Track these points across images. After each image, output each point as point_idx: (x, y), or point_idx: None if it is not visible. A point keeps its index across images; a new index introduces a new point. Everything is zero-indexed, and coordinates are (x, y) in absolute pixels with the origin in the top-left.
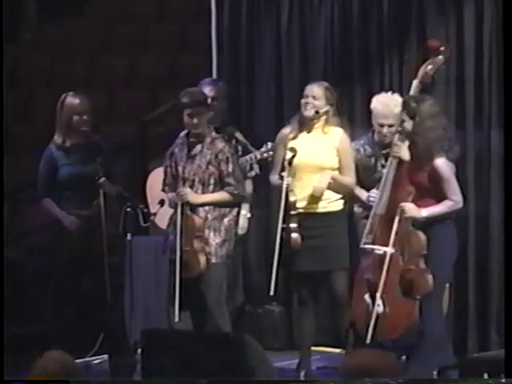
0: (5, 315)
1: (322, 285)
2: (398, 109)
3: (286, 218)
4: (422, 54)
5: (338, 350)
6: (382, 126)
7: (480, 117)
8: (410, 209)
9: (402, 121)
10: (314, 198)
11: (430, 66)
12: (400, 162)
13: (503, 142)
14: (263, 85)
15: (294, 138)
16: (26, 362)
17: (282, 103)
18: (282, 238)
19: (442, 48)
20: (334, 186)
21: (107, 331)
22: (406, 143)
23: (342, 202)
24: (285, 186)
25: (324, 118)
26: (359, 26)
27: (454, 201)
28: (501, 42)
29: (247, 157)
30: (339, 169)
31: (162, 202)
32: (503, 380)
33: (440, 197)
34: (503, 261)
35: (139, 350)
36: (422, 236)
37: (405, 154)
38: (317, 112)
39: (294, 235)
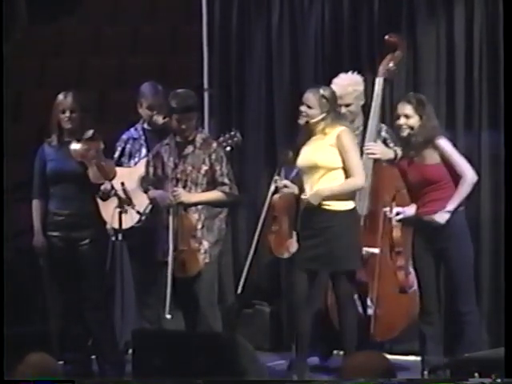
0: (4, 315)
1: (323, 285)
2: (352, 88)
3: (269, 221)
4: (381, 50)
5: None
6: (340, 105)
7: (470, 117)
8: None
9: (407, 116)
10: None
11: (391, 63)
12: (376, 161)
13: (502, 142)
14: (254, 85)
15: (303, 144)
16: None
17: (273, 103)
18: (258, 240)
19: (400, 43)
20: (338, 195)
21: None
22: (379, 142)
23: (351, 201)
24: (272, 188)
25: (322, 123)
26: (350, 27)
27: (467, 175)
28: (491, 42)
29: None
30: (344, 168)
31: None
32: (498, 380)
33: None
34: (493, 261)
35: (130, 351)
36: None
37: (382, 153)
38: (307, 122)
39: (272, 237)
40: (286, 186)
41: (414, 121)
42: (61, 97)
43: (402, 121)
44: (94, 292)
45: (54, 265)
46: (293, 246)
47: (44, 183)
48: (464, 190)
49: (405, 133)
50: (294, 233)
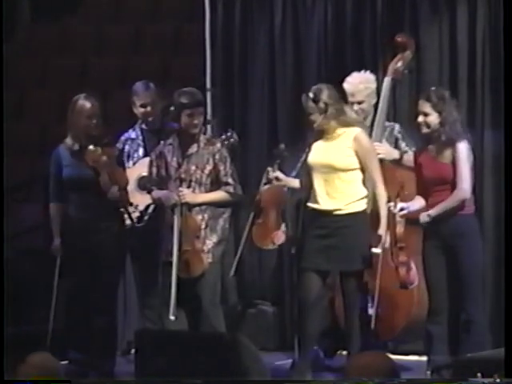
0: (4, 315)
1: (330, 284)
2: (363, 85)
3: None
4: (391, 50)
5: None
6: (352, 103)
7: (473, 116)
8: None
9: (425, 114)
10: (333, 198)
11: (399, 63)
12: (381, 161)
13: (503, 142)
14: (257, 85)
15: (315, 142)
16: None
17: (276, 103)
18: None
19: (410, 43)
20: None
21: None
22: (385, 142)
23: (365, 201)
24: (264, 180)
25: (331, 120)
26: (353, 26)
27: (461, 189)
28: (493, 43)
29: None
30: (362, 170)
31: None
32: (498, 380)
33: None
34: (496, 261)
35: (133, 351)
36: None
37: (387, 153)
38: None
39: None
40: (277, 178)
41: (433, 118)
42: (86, 103)
43: (421, 119)
44: (107, 291)
45: (68, 267)
46: (279, 237)
47: (61, 187)
48: (452, 201)
49: (423, 131)
50: (283, 224)
